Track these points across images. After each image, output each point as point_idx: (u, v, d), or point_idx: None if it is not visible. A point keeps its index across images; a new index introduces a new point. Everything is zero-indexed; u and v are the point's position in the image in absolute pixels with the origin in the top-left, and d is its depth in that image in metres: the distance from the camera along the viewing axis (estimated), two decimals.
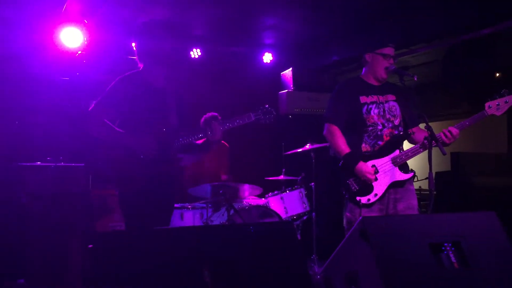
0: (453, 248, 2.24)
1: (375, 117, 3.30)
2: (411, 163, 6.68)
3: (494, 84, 6.67)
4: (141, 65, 3.07)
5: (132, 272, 1.80)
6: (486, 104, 3.19)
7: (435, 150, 3.11)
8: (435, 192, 3.05)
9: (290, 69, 6.16)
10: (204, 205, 4.45)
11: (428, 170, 3.00)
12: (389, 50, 3.36)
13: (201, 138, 3.03)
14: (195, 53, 5.88)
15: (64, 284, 3.21)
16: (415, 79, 3.17)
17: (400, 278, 2.08)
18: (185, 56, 5.86)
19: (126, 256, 1.83)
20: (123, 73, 3.03)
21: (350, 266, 2.26)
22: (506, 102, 3.15)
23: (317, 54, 6.33)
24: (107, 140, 2.88)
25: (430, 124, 3.08)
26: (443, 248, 2.22)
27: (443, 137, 3.15)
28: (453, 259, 2.23)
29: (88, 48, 4.78)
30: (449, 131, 3.15)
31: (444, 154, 3.05)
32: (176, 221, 4.41)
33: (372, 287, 2.12)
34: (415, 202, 3.32)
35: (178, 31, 5.45)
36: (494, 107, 3.17)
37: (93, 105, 2.92)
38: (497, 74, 6.64)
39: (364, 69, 3.48)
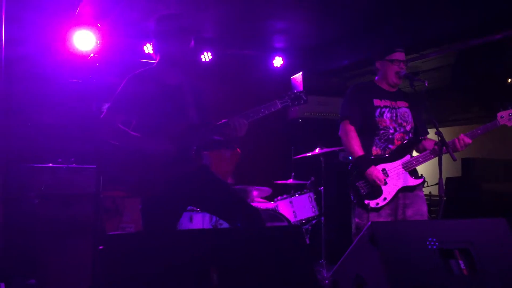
0: (462, 254, 2.23)
1: (388, 121, 3.31)
2: (422, 168, 6.65)
3: (505, 89, 6.64)
4: (157, 59, 2.91)
5: (141, 274, 1.82)
6: (498, 114, 3.21)
7: (445, 156, 3.11)
8: (445, 198, 3.04)
9: (300, 73, 6.17)
10: None
11: (438, 176, 3.00)
12: (398, 55, 3.36)
13: (222, 133, 2.82)
14: (206, 56, 5.91)
15: (75, 285, 3.23)
16: (426, 84, 3.17)
17: (408, 284, 2.08)
18: (196, 59, 5.89)
19: (135, 258, 1.84)
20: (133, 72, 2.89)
21: (358, 270, 2.26)
22: None
23: (327, 58, 6.34)
24: (123, 147, 2.74)
25: (440, 129, 3.08)
26: (453, 254, 2.21)
27: (457, 144, 3.16)
28: (462, 265, 2.22)
29: (100, 51, 4.82)
30: (462, 139, 3.16)
31: (454, 160, 3.05)
32: (185, 224, 4.43)
33: None
34: (424, 208, 3.30)
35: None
36: (506, 117, 3.20)
37: (104, 111, 2.79)
38: (509, 80, 6.60)
39: (377, 76, 3.50)
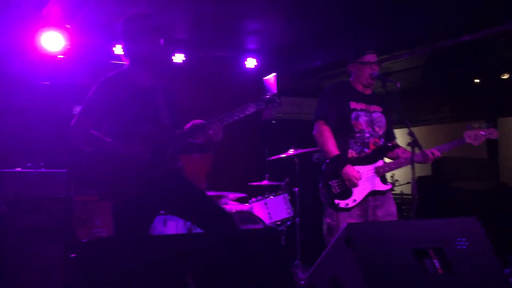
0: (437, 254, 2.26)
1: (364, 124, 3.33)
2: None
3: (474, 90, 6.79)
4: (127, 62, 2.87)
5: (116, 281, 1.78)
6: (465, 134, 3.43)
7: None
8: (416, 197, 3.09)
9: (274, 74, 6.17)
10: None
11: (409, 175, 3.04)
12: (369, 57, 3.38)
13: (199, 136, 2.80)
14: (178, 57, 5.85)
15: None
16: (398, 85, 3.21)
17: (384, 285, 2.09)
18: (169, 60, 5.83)
19: (109, 264, 1.80)
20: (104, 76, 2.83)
21: (334, 272, 2.26)
22: (483, 134, 3.41)
23: (300, 59, 6.36)
24: (96, 152, 2.69)
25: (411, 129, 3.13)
26: (427, 253, 2.23)
27: (429, 156, 3.30)
28: (436, 264, 2.25)
29: (69, 52, 4.72)
30: (432, 153, 3.32)
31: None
32: (159, 228, 4.37)
33: None
34: (394, 208, 3.37)
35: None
36: (472, 137, 3.42)
37: (75, 116, 2.72)
38: (476, 80, 6.76)
39: (351, 77, 3.51)
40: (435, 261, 2.25)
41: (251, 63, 6.30)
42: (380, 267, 2.11)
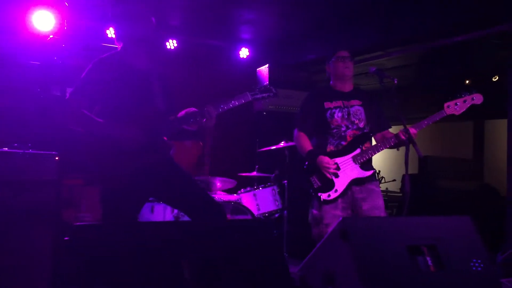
0: (430, 251, 2.27)
1: (339, 120, 3.45)
2: (380, 165, 6.77)
3: (463, 90, 6.85)
4: (119, 46, 2.83)
5: (110, 267, 1.74)
6: (445, 104, 3.34)
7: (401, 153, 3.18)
8: (401, 194, 3.13)
9: (267, 65, 6.14)
10: None
11: (395, 173, 3.06)
12: (342, 53, 3.53)
13: (193, 123, 2.78)
14: (171, 44, 5.78)
15: (33, 278, 3.09)
16: (395, 82, 3.22)
17: (378, 280, 2.09)
18: (161, 46, 5.76)
19: (104, 250, 1.76)
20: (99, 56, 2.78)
21: (328, 265, 2.26)
22: (464, 101, 3.32)
23: (293, 52, 6.33)
24: (88, 133, 2.63)
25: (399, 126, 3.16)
26: (421, 250, 2.24)
27: (401, 136, 3.25)
28: (429, 261, 2.26)
29: (61, 32, 4.61)
30: (407, 131, 3.24)
31: (420, 156, 3.13)
32: (146, 215, 4.33)
33: (350, 287, 2.13)
34: (380, 202, 3.41)
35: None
36: (453, 106, 3.33)
37: (68, 94, 2.67)
38: (467, 81, 6.82)
39: (331, 80, 3.64)
40: (428, 258, 2.27)
41: (244, 53, 6.25)
42: (374, 263, 2.11)
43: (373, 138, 3.59)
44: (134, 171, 2.65)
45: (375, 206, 3.35)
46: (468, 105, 3.33)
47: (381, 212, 3.37)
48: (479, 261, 2.31)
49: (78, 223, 1.77)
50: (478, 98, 3.34)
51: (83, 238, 1.78)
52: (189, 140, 4.87)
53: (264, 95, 2.92)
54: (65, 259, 1.71)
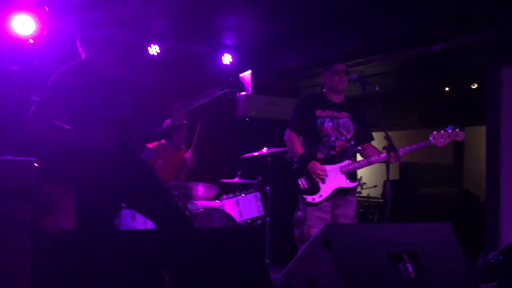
0: (410, 258, 2.29)
1: (329, 129, 3.58)
2: (362, 171, 6.81)
3: (443, 97, 6.95)
4: (83, 54, 2.86)
5: (90, 276, 1.71)
6: (430, 136, 3.56)
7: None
8: (382, 200, 3.21)
9: (249, 71, 6.13)
10: None
11: (377, 179, 3.13)
12: (338, 66, 3.64)
13: (162, 125, 2.83)
14: (154, 49, 5.74)
15: (11, 285, 3.03)
16: (377, 89, 3.28)
17: (360, 286, 2.10)
18: (142, 51, 5.72)
19: (84, 257, 1.73)
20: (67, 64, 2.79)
21: (310, 272, 2.26)
22: (448, 136, 3.53)
23: (277, 58, 6.35)
24: (57, 141, 2.64)
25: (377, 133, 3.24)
26: (402, 257, 2.26)
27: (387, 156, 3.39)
28: (410, 268, 2.28)
29: (41, 37, 4.56)
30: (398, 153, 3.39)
31: (402, 163, 3.19)
32: (127, 222, 4.28)
33: None
34: (351, 212, 3.61)
35: (135, 24, 5.35)
36: (437, 138, 3.54)
37: (35, 105, 2.66)
38: (446, 88, 6.92)
39: (324, 88, 3.75)
40: (408, 265, 2.28)
41: (227, 59, 6.24)
42: (356, 270, 2.12)
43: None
44: (105, 176, 2.66)
45: (345, 215, 3.56)
46: (451, 140, 3.53)
47: (348, 221, 3.56)
48: (459, 267, 2.34)
49: (57, 231, 1.74)
50: (460, 135, 3.56)
51: (63, 246, 1.75)
52: (172, 144, 4.84)
53: (232, 90, 2.95)
54: (44, 267, 1.68)
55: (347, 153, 3.56)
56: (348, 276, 2.08)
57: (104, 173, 2.66)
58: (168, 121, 2.83)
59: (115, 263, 1.78)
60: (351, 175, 3.56)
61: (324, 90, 3.74)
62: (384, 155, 3.39)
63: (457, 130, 3.54)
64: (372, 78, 6.56)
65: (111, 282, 1.75)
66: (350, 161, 3.54)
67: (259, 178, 4.99)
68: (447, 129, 3.53)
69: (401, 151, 3.40)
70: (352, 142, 3.63)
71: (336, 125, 3.58)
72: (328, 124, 3.57)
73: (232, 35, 5.92)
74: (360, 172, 7.60)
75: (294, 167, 3.59)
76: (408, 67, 6.38)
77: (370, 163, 3.53)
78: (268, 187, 4.91)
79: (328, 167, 3.50)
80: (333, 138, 3.57)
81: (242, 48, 6.25)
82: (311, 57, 5.78)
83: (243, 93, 6.01)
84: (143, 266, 1.82)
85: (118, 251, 1.81)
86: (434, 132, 3.54)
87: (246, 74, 6.17)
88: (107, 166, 2.67)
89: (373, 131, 3.88)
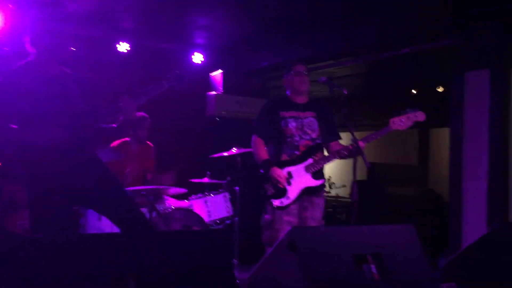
0: (374, 259, 2.33)
1: (293, 129, 3.59)
2: (331, 172, 6.87)
3: (410, 100, 7.10)
4: (32, 52, 2.85)
5: (52, 281, 1.68)
6: (391, 120, 3.52)
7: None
8: (356, 201, 3.24)
9: (220, 71, 6.13)
10: None
11: (346, 178, 3.17)
12: (299, 68, 3.68)
13: (115, 120, 2.86)
14: (123, 47, 5.66)
15: None
16: (345, 92, 3.32)
17: None
18: (111, 48, 5.64)
19: (45, 264, 1.70)
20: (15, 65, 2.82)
21: (276, 274, 2.28)
22: (408, 118, 3.51)
23: (247, 58, 6.36)
24: (8, 141, 2.66)
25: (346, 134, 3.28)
26: (366, 259, 2.30)
27: (350, 148, 3.41)
28: (373, 269, 2.31)
29: (3, 34, 4.44)
30: (357, 144, 3.37)
31: (368, 166, 3.23)
32: (93, 223, 4.20)
33: None
34: (318, 214, 3.62)
35: (104, 21, 5.26)
36: (398, 122, 3.50)
37: None
38: (414, 91, 7.06)
39: (287, 91, 3.79)
40: (372, 266, 2.32)
41: (198, 58, 6.21)
42: (321, 272, 2.14)
43: (324, 149, 3.74)
44: (57, 174, 2.66)
45: (312, 217, 3.58)
46: (412, 122, 3.52)
47: (316, 223, 3.58)
48: (420, 268, 2.40)
49: (19, 234, 1.70)
50: (420, 116, 3.54)
51: (24, 251, 1.72)
52: (135, 143, 4.78)
53: (179, 82, 3.00)
54: (3, 273, 1.64)
55: (311, 152, 3.58)
56: (313, 278, 2.11)
57: (52, 171, 2.65)
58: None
59: (77, 267, 1.75)
60: (317, 174, 3.57)
61: (288, 93, 3.77)
62: (346, 148, 3.42)
63: (416, 111, 3.51)
64: (342, 79, 6.65)
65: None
66: (313, 160, 3.55)
67: (228, 178, 4.99)
68: (406, 111, 3.50)
69: (362, 142, 3.38)
70: (318, 141, 3.65)
71: (300, 125, 3.60)
72: (292, 124, 3.59)
73: (203, 34, 5.90)
74: (329, 172, 7.68)
75: (260, 173, 3.60)
76: (378, 70, 6.49)
77: (335, 157, 3.52)
78: (237, 187, 4.91)
79: (292, 168, 3.52)
80: (297, 138, 3.58)
81: (213, 48, 6.23)
82: (282, 58, 5.80)
83: (213, 92, 6.05)
84: (107, 271, 1.80)
85: (81, 255, 1.78)
86: (394, 117, 3.51)
87: (217, 74, 6.20)
88: (57, 163, 2.67)
89: (341, 132, 3.93)
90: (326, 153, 3.72)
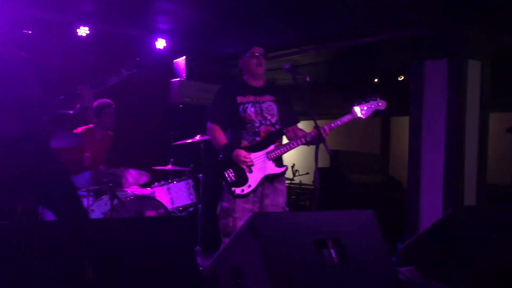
0: (334, 244, 2.37)
1: (252, 115, 3.50)
2: (294, 159, 6.93)
3: (372, 88, 7.21)
4: None
5: (6, 271, 1.63)
6: (353, 108, 3.56)
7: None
8: (318, 189, 3.27)
9: (184, 57, 6.05)
10: (85, 193, 4.21)
11: (309, 166, 3.19)
12: (256, 50, 3.58)
13: (72, 107, 2.82)
14: (83, 31, 5.51)
15: None
16: (308, 79, 3.33)
17: (285, 274, 2.15)
18: (70, 32, 5.47)
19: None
20: None
21: (237, 261, 2.28)
22: (370, 106, 3.55)
23: (210, 45, 6.30)
24: None
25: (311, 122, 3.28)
26: (326, 243, 2.33)
27: (312, 135, 3.40)
28: (333, 254, 2.36)
29: None
30: (324, 130, 3.39)
31: (330, 154, 3.26)
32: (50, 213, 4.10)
33: (257, 281, 2.17)
34: (281, 200, 3.56)
35: (63, 3, 5.09)
36: (360, 110, 3.55)
37: None
38: (376, 80, 7.18)
39: (243, 74, 3.69)
40: (332, 250, 2.36)
41: (161, 44, 6.11)
42: (282, 257, 2.16)
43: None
44: (12, 159, 2.60)
45: (274, 203, 3.51)
46: (373, 110, 3.56)
47: (279, 209, 3.52)
48: (378, 252, 2.45)
49: None
50: (382, 104, 3.59)
51: None
52: (99, 130, 4.70)
53: (139, 70, 2.97)
54: None
55: (272, 138, 3.50)
56: (273, 263, 2.12)
57: (7, 158, 2.59)
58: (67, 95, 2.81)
59: (33, 256, 1.71)
60: (278, 161, 3.51)
61: (244, 77, 3.66)
62: (309, 134, 3.39)
63: (378, 99, 3.56)
64: (306, 67, 6.69)
65: (30, 277, 1.68)
66: (275, 146, 3.49)
67: (192, 165, 4.96)
68: (368, 99, 3.55)
69: (325, 128, 3.38)
70: (278, 126, 3.57)
71: (259, 110, 3.51)
72: (251, 110, 3.49)
73: (166, 19, 5.79)
74: (293, 159, 7.73)
75: (220, 159, 3.50)
76: (341, 58, 6.56)
77: (297, 144, 3.47)
78: (200, 175, 4.89)
79: (254, 155, 3.43)
80: (257, 124, 3.49)
81: (176, 33, 6.13)
82: (245, 45, 5.77)
83: (177, 79, 5.97)
84: (64, 259, 1.76)
85: (37, 243, 1.74)
86: (356, 105, 3.54)
87: (180, 60, 6.12)
88: (8, 152, 2.60)
89: (304, 120, 3.94)
90: (285, 139, 3.69)
